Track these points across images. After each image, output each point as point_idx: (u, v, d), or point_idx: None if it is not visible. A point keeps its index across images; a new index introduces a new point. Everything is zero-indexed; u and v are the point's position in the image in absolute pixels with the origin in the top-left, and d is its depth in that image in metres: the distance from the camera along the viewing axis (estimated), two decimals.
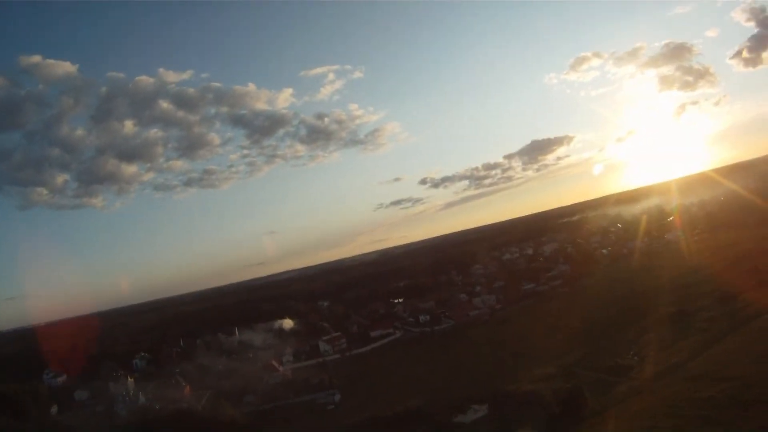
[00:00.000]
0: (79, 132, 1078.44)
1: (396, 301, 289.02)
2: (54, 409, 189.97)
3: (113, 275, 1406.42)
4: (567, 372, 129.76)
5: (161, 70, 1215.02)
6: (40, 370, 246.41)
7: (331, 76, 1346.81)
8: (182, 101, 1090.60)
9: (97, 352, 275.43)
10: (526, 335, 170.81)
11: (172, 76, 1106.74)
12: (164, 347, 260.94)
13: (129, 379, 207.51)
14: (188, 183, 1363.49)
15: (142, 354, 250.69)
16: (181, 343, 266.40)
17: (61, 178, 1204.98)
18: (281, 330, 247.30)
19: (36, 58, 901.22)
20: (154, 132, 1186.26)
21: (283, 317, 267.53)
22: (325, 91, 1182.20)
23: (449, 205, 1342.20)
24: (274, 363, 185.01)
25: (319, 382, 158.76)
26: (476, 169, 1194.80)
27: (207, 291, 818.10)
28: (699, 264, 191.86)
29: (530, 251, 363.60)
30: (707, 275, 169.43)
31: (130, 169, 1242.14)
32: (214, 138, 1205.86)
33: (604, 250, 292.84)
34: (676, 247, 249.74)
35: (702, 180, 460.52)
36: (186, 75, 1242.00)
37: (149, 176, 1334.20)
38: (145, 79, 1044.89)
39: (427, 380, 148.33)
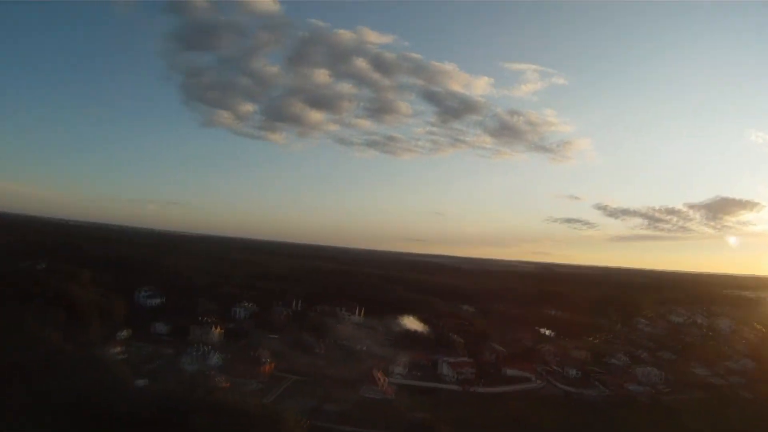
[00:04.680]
0: (272, 69, 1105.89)
1: (545, 333, 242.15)
2: (123, 334, 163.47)
3: (275, 209, 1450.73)
4: None
5: (364, 28, 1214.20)
6: (138, 284, 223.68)
7: (533, 75, 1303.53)
8: (379, 64, 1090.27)
9: (205, 285, 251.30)
10: None
11: (373, 36, 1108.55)
12: (275, 303, 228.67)
13: (216, 329, 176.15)
14: (370, 144, 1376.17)
15: (247, 304, 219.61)
16: (297, 305, 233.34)
17: (247, 107, 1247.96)
18: (406, 329, 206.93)
19: None
20: (346, 87, 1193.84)
21: (415, 312, 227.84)
22: (524, 89, 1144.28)
23: (620, 238, 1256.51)
24: (379, 372, 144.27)
25: (420, 423, 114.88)
26: (655, 209, 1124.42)
27: (357, 252, 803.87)
28: None
29: (700, 320, 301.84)
30: None
31: (317, 116, 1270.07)
32: (404, 107, 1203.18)
33: None
34: None
35: None
36: (387, 39, 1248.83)
37: (334, 128, 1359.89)
38: (345, 33, 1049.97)
39: None
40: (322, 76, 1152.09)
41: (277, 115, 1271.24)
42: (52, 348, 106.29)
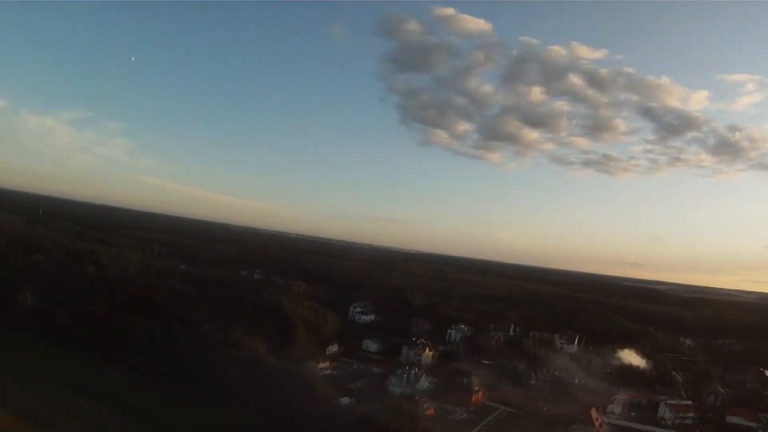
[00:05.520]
0: (487, 88, 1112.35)
1: None
2: (332, 350, 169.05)
3: (490, 228, 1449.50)
4: None
5: (574, 43, 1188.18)
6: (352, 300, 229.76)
7: (750, 86, 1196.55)
8: (593, 80, 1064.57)
9: (421, 304, 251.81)
10: None
11: (585, 52, 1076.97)
12: (489, 327, 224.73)
13: (428, 351, 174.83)
14: (586, 163, 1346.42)
15: (462, 326, 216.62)
16: (512, 330, 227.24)
17: (463, 126, 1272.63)
18: (623, 363, 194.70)
19: (450, 11, 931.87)
20: (561, 104, 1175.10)
21: (634, 343, 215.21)
22: (742, 102, 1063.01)
23: None
24: (595, 411, 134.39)
25: None
26: None
27: (571, 274, 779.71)
28: None
29: None
30: None
31: (532, 134, 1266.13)
32: (620, 124, 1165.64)
33: None
34: None
35: None
36: (600, 54, 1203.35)
37: (549, 147, 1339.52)
38: (557, 50, 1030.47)
39: None
40: (536, 94, 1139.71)
41: (492, 134, 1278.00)
42: (255, 359, 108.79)
